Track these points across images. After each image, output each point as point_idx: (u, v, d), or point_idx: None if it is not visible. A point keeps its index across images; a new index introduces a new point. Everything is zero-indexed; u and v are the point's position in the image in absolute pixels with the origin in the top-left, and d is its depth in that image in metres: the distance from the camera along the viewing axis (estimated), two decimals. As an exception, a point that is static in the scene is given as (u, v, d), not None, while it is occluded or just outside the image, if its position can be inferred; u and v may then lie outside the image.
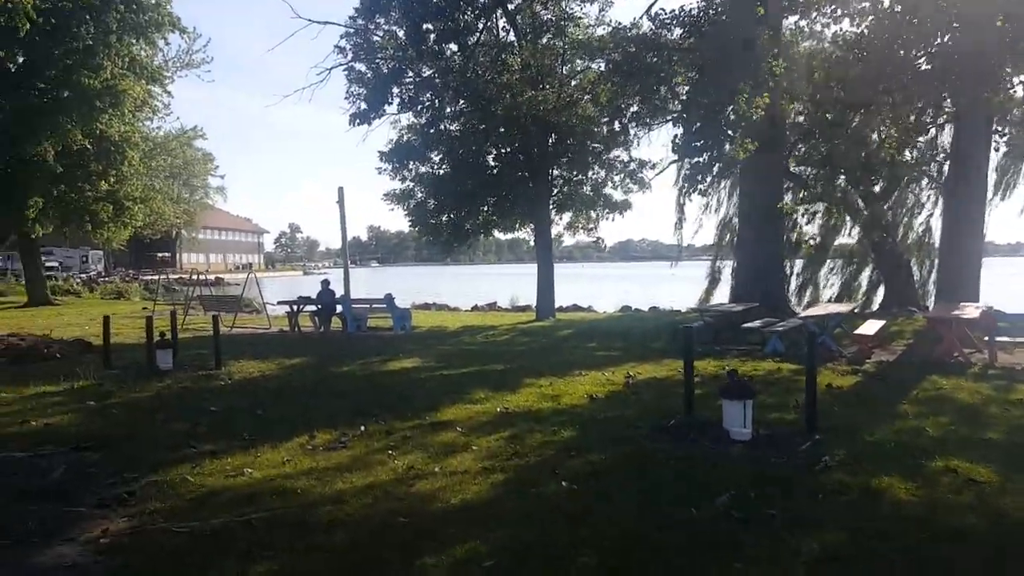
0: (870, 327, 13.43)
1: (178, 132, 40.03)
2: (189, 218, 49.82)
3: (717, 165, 16.57)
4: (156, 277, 38.11)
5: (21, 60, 26.00)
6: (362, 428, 7.54)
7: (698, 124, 15.99)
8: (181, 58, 33.76)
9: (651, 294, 34.26)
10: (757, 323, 14.40)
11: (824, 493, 5.40)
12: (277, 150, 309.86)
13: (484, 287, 49.21)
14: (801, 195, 21.24)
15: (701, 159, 16.53)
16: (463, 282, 63.33)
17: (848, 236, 24.80)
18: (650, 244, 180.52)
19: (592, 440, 6.92)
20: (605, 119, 19.89)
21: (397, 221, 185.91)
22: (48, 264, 48.49)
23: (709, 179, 18.97)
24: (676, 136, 16.77)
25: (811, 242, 21.80)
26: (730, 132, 15.91)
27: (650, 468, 6.00)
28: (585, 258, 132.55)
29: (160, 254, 72.56)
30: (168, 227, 44.84)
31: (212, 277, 52.03)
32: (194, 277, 28.74)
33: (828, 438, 6.84)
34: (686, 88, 17.52)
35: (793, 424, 7.56)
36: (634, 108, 18.89)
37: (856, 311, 18.64)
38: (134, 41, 27.85)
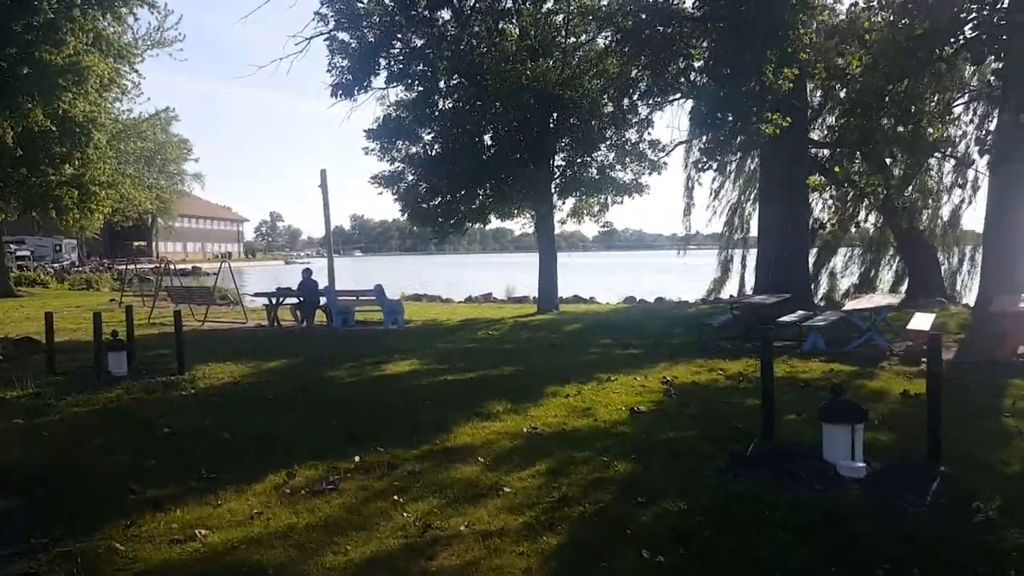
0: (922, 321, 11.98)
1: (150, 115, 38.03)
2: (164, 205, 47.72)
3: (740, 137, 14.94)
4: (127, 267, 36.09)
5: (-24, 35, 24.00)
6: (356, 459, 5.88)
7: (719, 94, 14.49)
8: (151, 35, 31.80)
9: (653, 284, 32.75)
10: (793, 317, 12.96)
11: (1012, 567, 3.85)
12: (258, 139, 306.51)
13: (474, 276, 47.53)
14: (817, 177, 19.79)
15: (722, 134, 14.98)
16: (452, 271, 61.52)
17: (865, 223, 23.39)
18: (634, 233, 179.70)
19: (658, 477, 5.31)
20: (612, 94, 18.25)
21: (380, 210, 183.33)
22: (20, 253, 46.33)
23: (729, 155, 17.40)
24: (692, 109, 15.26)
25: (833, 223, 20.31)
26: (755, 107, 14.44)
27: (753, 525, 4.42)
28: (571, 247, 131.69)
29: (136, 243, 70.12)
30: (141, 214, 42.79)
31: (189, 266, 50.06)
32: (164, 267, 26.80)
33: (955, 470, 5.34)
34: (700, 62, 16.00)
35: (894, 447, 6.10)
36: (644, 84, 17.32)
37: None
38: (100, 15, 25.96)
